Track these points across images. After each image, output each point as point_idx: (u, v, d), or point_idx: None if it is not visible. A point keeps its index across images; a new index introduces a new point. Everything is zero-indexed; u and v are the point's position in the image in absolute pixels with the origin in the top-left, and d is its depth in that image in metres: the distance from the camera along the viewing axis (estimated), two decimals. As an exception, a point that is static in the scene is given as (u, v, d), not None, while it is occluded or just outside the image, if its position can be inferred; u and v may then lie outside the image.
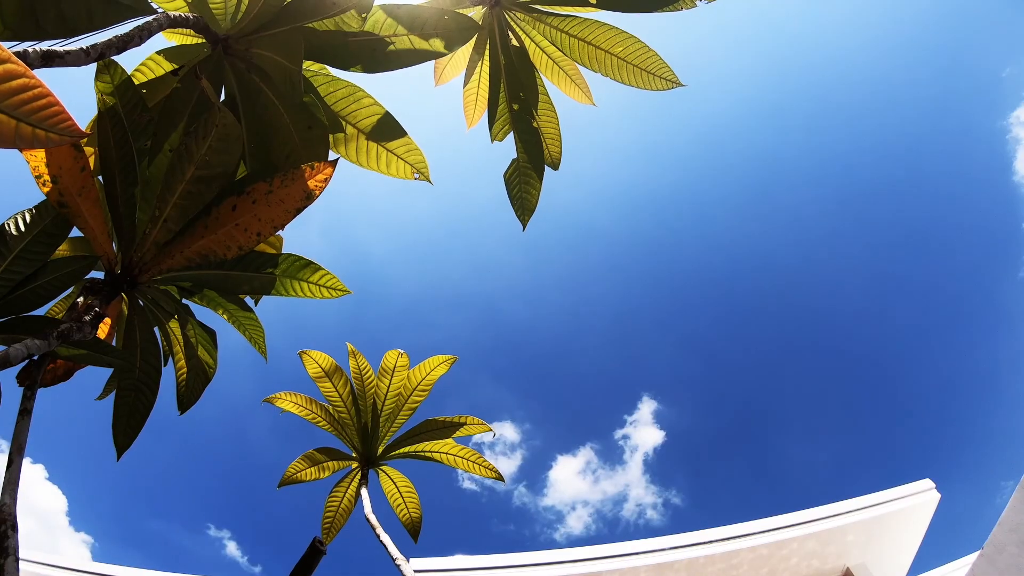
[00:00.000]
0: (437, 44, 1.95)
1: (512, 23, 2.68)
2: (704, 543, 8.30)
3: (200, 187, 1.82)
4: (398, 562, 3.67)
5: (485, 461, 4.23)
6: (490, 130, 2.73)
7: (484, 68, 2.77)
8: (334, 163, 1.77)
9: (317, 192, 1.82)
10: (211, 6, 1.95)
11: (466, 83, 2.88)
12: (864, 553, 8.86)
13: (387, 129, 2.18)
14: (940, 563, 10.10)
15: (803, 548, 8.45)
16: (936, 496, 9.26)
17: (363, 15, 1.85)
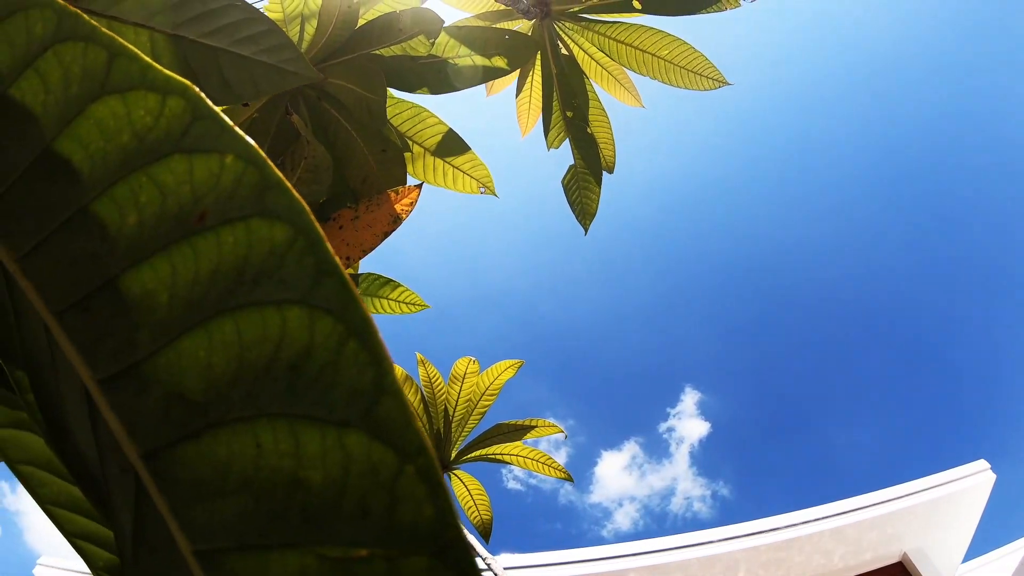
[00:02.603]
0: (500, 62, 2.00)
1: (561, 32, 2.72)
2: (751, 534, 8.26)
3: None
4: (488, 561, 3.75)
5: (554, 462, 4.32)
6: (546, 138, 2.78)
7: (536, 78, 2.82)
8: (419, 186, 1.83)
9: (404, 215, 1.89)
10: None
11: (518, 93, 2.93)
12: (920, 537, 8.75)
13: (452, 146, 2.25)
14: (997, 544, 9.93)
15: (858, 535, 8.37)
16: (992, 477, 9.10)
17: (431, 40, 1.91)
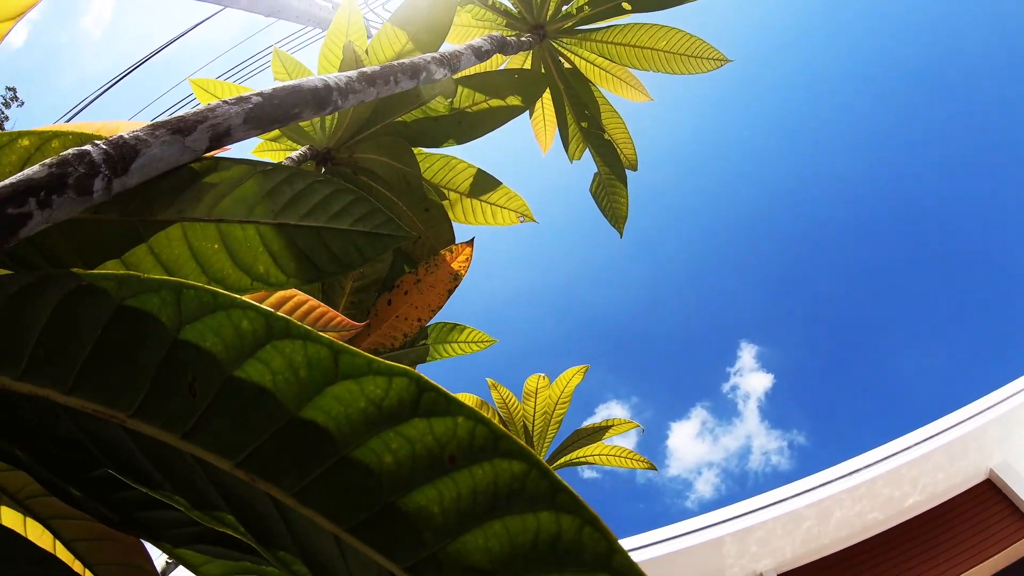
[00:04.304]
0: (515, 101, 2.11)
1: (560, 49, 2.82)
2: (825, 484, 8.24)
3: (360, 296, 2.04)
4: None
5: (635, 455, 4.44)
6: (566, 151, 2.88)
7: (546, 97, 2.92)
8: (471, 242, 1.96)
9: (463, 272, 2.02)
10: (303, 126, 2.17)
11: (531, 114, 3.03)
12: (1005, 450, 8.64)
13: (484, 184, 2.37)
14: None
15: (939, 461, 8.30)
16: (1068, 374, 8.94)
17: (449, 99, 2.03)
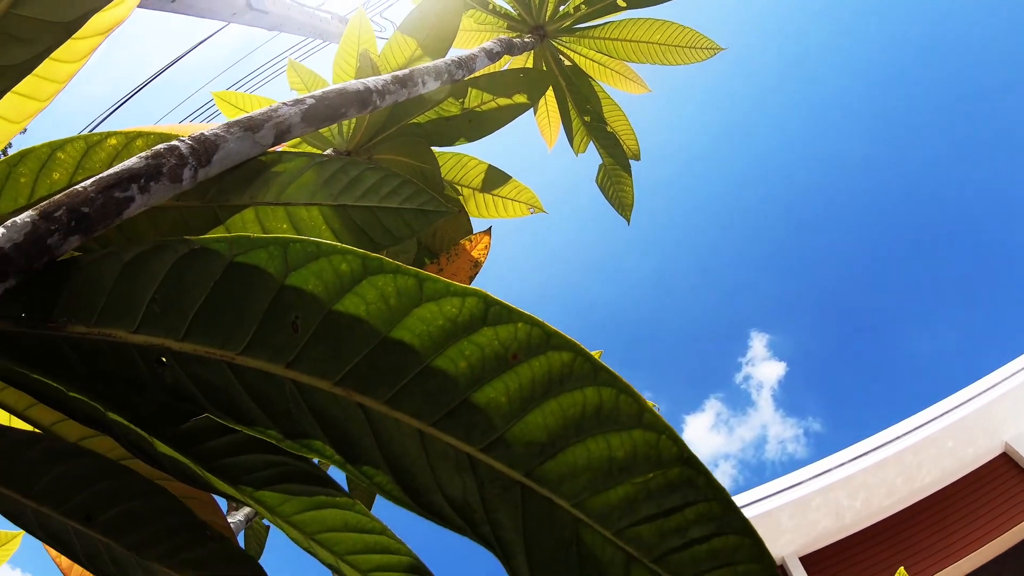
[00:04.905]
0: (521, 98, 2.23)
1: (560, 47, 2.94)
2: (835, 467, 8.30)
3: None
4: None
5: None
6: (571, 145, 3.00)
7: (549, 94, 3.04)
8: (488, 231, 2.07)
9: (482, 259, 2.14)
10: (322, 133, 2.30)
11: (536, 112, 3.16)
12: (1020, 422, 8.67)
13: (495, 179, 2.49)
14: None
15: (954, 437, 8.35)
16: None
17: (460, 100, 2.15)
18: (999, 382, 8.54)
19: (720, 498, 0.47)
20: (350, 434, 0.65)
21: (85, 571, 1.57)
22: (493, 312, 0.55)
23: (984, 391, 8.50)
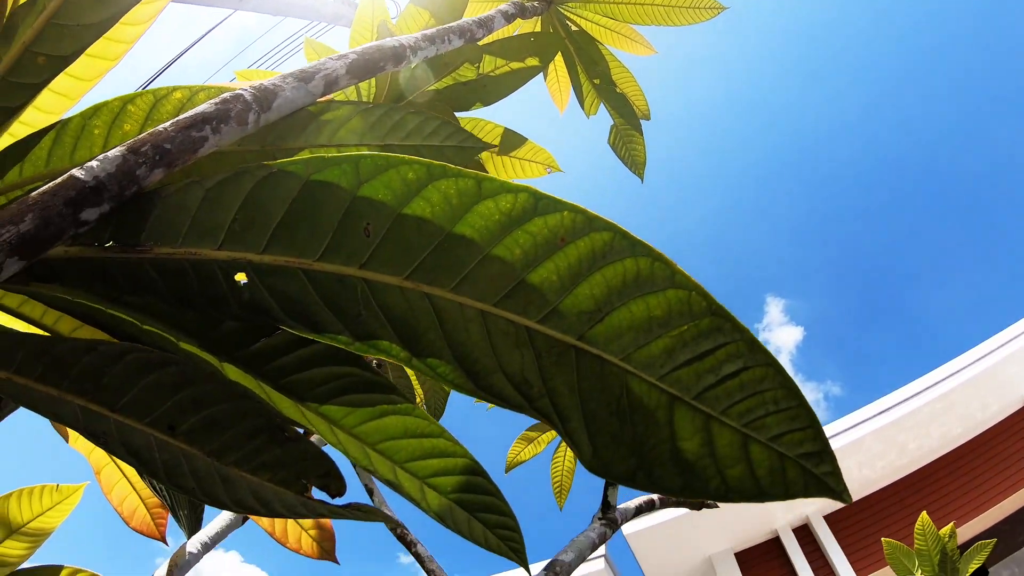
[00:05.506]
0: (533, 62, 2.31)
1: (567, 14, 3.00)
2: (854, 425, 8.37)
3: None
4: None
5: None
6: (582, 107, 3.07)
7: (558, 60, 3.10)
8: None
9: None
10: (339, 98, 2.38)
11: (546, 77, 3.22)
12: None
13: (512, 141, 2.57)
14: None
15: (973, 392, 8.37)
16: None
17: (476, 64, 2.23)
18: (1014, 337, 8.53)
19: (746, 338, 0.56)
20: (417, 327, 0.74)
21: (147, 515, 1.68)
22: (542, 204, 0.63)
23: (1000, 345, 8.50)
